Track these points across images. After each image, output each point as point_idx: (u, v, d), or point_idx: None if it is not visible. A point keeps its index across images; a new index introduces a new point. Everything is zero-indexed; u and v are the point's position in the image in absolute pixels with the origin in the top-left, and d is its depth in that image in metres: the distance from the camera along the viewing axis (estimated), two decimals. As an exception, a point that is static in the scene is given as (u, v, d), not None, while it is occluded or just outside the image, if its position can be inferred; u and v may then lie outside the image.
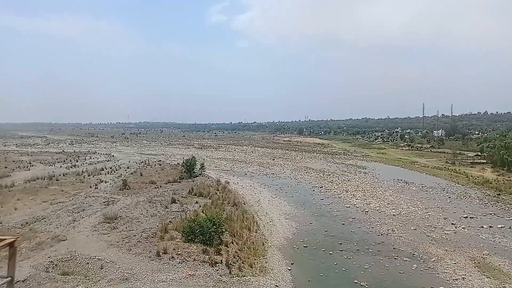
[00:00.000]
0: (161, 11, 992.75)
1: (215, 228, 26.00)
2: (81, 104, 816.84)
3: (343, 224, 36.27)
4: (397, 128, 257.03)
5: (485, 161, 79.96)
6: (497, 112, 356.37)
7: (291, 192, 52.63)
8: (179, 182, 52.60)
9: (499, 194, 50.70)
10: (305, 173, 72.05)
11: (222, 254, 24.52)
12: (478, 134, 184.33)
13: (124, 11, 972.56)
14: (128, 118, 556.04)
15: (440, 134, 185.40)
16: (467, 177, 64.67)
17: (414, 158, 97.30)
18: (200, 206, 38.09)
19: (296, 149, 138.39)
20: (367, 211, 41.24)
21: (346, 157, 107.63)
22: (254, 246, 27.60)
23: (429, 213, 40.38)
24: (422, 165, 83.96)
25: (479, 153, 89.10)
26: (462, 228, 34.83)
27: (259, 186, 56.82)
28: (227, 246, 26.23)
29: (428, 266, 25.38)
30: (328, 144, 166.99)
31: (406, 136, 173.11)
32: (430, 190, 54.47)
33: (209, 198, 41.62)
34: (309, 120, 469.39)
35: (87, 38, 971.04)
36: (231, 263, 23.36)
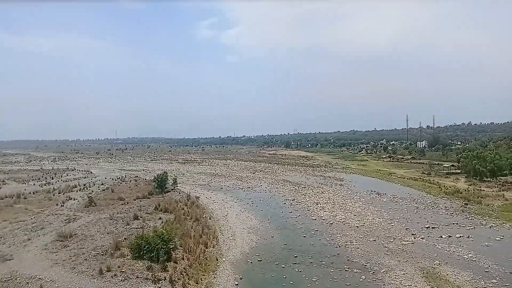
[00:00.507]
0: (149, 28, 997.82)
1: (163, 245, 25.75)
2: (69, 121, 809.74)
3: (305, 236, 36.29)
4: (382, 140, 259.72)
5: (459, 171, 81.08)
6: (481, 123, 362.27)
7: (262, 205, 52.57)
8: (149, 198, 52.24)
9: (467, 204, 51.33)
10: (281, 186, 72.09)
11: (168, 271, 24.27)
12: (461, 144, 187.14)
13: (112, 28, 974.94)
14: (116, 134, 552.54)
15: (423, 145, 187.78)
16: (439, 187, 65.41)
17: (392, 170, 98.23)
18: (162, 222, 37.81)
19: (279, 162, 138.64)
20: (332, 223, 41.35)
21: (326, 169, 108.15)
22: (206, 262, 27.44)
23: (393, 224, 40.65)
24: (399, 176, 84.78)
25: (454, 164, 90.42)
26: (421, 238, 35.12)
27: (232, 200, 56.63)
28: (176, 263, 26.00)
29: (376, 277, 25.45)
30: (312, 156, 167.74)
31: (389, 148, 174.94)
32: (401, 201, 54.91)
33: (173, 214, 41.25)
34: (298, 133, 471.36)
35: (75, 55, 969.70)
36: (176, 279, 23.14)
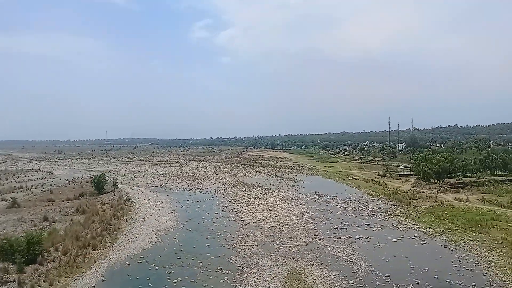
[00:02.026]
0: (144, 28, 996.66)
1: (28, 247, 25.83)
2: (61, 121, 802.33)
3: (207, 238, 36.53)
4: (365, 142, 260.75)
5: (412, 173, 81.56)
6: (467, 125, 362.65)
7: (194, 207, 52.78)
8: (79, 199, 52.16)
9: (396, 205, 51.82)
10: (231, 188, 72.23)
11: (25, 272, 24.33)
12: (439, 146, 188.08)
13: (106, 29, 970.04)
14: (106, 134, 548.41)
15: (401, 147, 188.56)
16: (383, 189, 65.89)
17: (354, 171, 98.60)
18: (69, 224, 37.88)
19: (252, 163, 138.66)
20: (246, 224, 41.65)
21: (291, 170, 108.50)
22: (79, 264, 27.50)
23: (305, 225, 40.99)
24: (355, 177, 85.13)
25: (408, 166, 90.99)
26: (320, 239, 35.44)
27: (168, 201, 56.76)
28: (41, 265, 26.06)
29: (240, 278, 25.71)
30: (289, 158, 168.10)
31: (365, 149, 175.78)
32: (335, 202, 55.33)
33: (85, 216, 41.34)
34: (289, 134, 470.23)
35: (67, 55, 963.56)
36: (25, 281, 23.20)
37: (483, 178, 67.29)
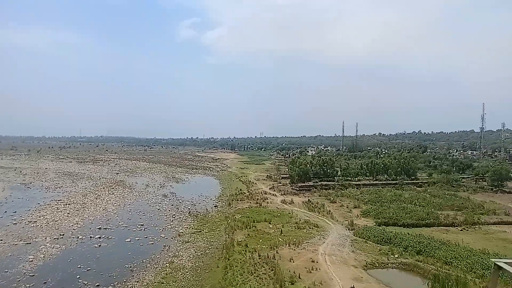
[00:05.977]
0: (129, 24, 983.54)
1: None
2: (39, 117, 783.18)
3: None
4: (321, 145, 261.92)
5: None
6: (431, 131, 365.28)
7: (7, 205, 51.20)
8: None
9: (216, 206, 51.36)
10: (98, 187, 70.77)
11: None
12: (382, 152, 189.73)
13: (89, 22, 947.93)
14: (80, 132, 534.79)
15: (344, 151, 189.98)
16: (240, 189, 65.41)
17: (256, 173, 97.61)
18: None
19: (181, 164, 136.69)
20: (17, 224, 40.73)
21: (202, 171, 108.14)
22: None
23: (77, 224, 40.23)
24: (242, 179, 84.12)
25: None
26: (54, 239, 34.70)
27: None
28: None
29: None
30: (227, 159, 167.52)
31: (303, 152, 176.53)
32: (169, 202, 55.02)
33: None
34: (264, 136, 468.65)
35: (51, 49, 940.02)
36: None
37: (340, 182, 67.35)
